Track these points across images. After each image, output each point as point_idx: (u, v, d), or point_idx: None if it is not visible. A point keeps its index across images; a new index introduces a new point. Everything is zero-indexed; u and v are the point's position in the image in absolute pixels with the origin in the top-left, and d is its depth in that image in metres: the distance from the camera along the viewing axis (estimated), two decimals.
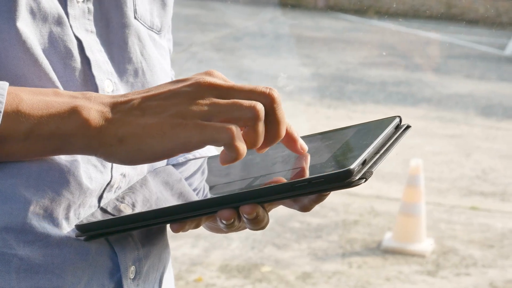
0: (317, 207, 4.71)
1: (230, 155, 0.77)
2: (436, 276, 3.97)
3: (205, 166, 0.97)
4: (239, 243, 4.18)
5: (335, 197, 4.84)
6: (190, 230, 0.90)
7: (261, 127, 0.78)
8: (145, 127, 0.77)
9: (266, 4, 13.10)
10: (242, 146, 0.77)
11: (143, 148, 0.77)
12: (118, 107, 0.78)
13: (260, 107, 0.78)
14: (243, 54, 9.28)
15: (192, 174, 0.99)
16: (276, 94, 0.79)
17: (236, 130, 0.76)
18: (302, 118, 6.78)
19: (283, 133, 0.80)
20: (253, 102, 0.78)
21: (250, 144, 0.78)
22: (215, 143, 0.77)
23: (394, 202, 4.82)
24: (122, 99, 0.79)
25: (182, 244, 4.10)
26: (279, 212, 4.35)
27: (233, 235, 4.12)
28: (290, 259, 4.06)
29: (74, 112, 0.77)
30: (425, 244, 4.24)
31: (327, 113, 7.06)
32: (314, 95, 7.64)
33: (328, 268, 3.98)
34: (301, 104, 7.27)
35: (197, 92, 0.78)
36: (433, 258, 4.18)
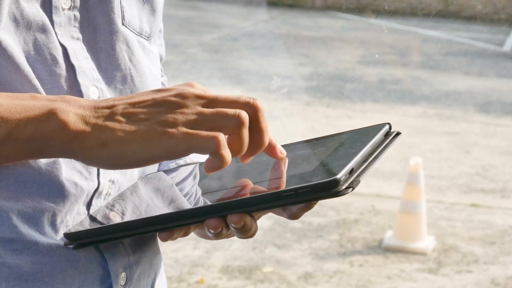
0: (317, 207, 4.70)
1: (216, 163, 0.77)
2: (437, 273, 3.97)
3: (197, 170, 0.97)
4: (240, 244, 4.18)
5: None
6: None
7: (245, 134, 0.79)
8: (130, 133, 0.77)
9: (263, 5, 13.10)
10: (227, 154, 0.77)
11: (127, 154, 0.77)
12: (100, 111, 0.78)
13: (244, 115, 0.78)
14: (241, 55, 9.28)
15: (183, 179, 0.99)
16: (259, 104, 0.80)
17: (222, 139, 0.77)
18: (301, 118, 6.78)
19: (266, 141, 0.81)
20: (237, 110, 0.78)
21: (235, 152, 0.79)
22: (201, 151, 0.77)
23: (394, 201, 4.82)
24: (104, 103, 0.79)
25: (183, 246, 4.10)
26: None
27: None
28: (292, 259, 4.06)
29: (51, 115, 0.77)
30: (426, 242, 4.24)
31: (326, 112, 7.05)
32: (313, 94, 7.64)
33: (330, 267, 3.98)
34: (300, 103, 7.27)
35: (182, 102, 0.79)
36: (434, 255, 4.18)
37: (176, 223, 0.82)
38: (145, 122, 0.77)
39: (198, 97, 0.80)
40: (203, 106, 0.79)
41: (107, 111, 0.78)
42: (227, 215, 0.80)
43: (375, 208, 4.79)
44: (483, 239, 4.41)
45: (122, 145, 0.77)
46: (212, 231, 0.82)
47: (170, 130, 0.77)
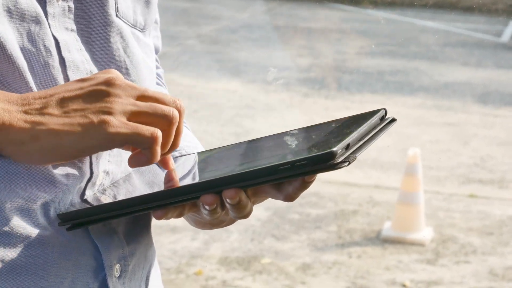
0: (315, 198, 4.68)
1: (146, 157, 0.78)
2: (435, 264, 3.98)
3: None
4: (238, 235, 4.18)
5: (333, 188, 4.85)
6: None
7: (174, 132, 0.80)
8: (65, 125, 0.77)
9: None
10: (159, 151, 0.78)
11: (63, 145, 0.77)
12: (29, 105, 0.78)
13: (176, 114, 0.80)
14: (239, 46, 9.27)
15: None
16: (183, 107, 0.81)
17: (160, 136, 0.78)
18: (299, 110, 6.78)
19: (179, 143, 0.83)
20: (171, 108, 0.80)
21: (162, 148, 0.80)
22: (137, 144, 0.78)
23: (392, 192, 4.82)
24: (34, 96, 0.79)
25: (181, 237, 4.10)
26: (278, 204, 4.35)
27: (232, 227, 4.12)
28: (290, 251, 4.06)
29: None
30: (424, 233, 4.24)
31: (325, 103, 7.05)
32: (311, 86, 7.64)
33: (328, 258, 3.98)
34: (299, 95, 7.27)
35: (113, 91, 0.79)
36: (433, 246, 4.18)
37: (172, 199, 0.82)
38: (80, 113, 0.77)
39: (130, 87, 0.80)
40: (136, 98, 0.80)
41: (37, 104, 0.78)
42: (223, 190, 0.80)
43: (373, 199, 4.80)
44: (481, 229, 4.41)
45: (58, 137, 0.77)
46: (207, 207, 0.81)
47: (108, 118, 0.77)
